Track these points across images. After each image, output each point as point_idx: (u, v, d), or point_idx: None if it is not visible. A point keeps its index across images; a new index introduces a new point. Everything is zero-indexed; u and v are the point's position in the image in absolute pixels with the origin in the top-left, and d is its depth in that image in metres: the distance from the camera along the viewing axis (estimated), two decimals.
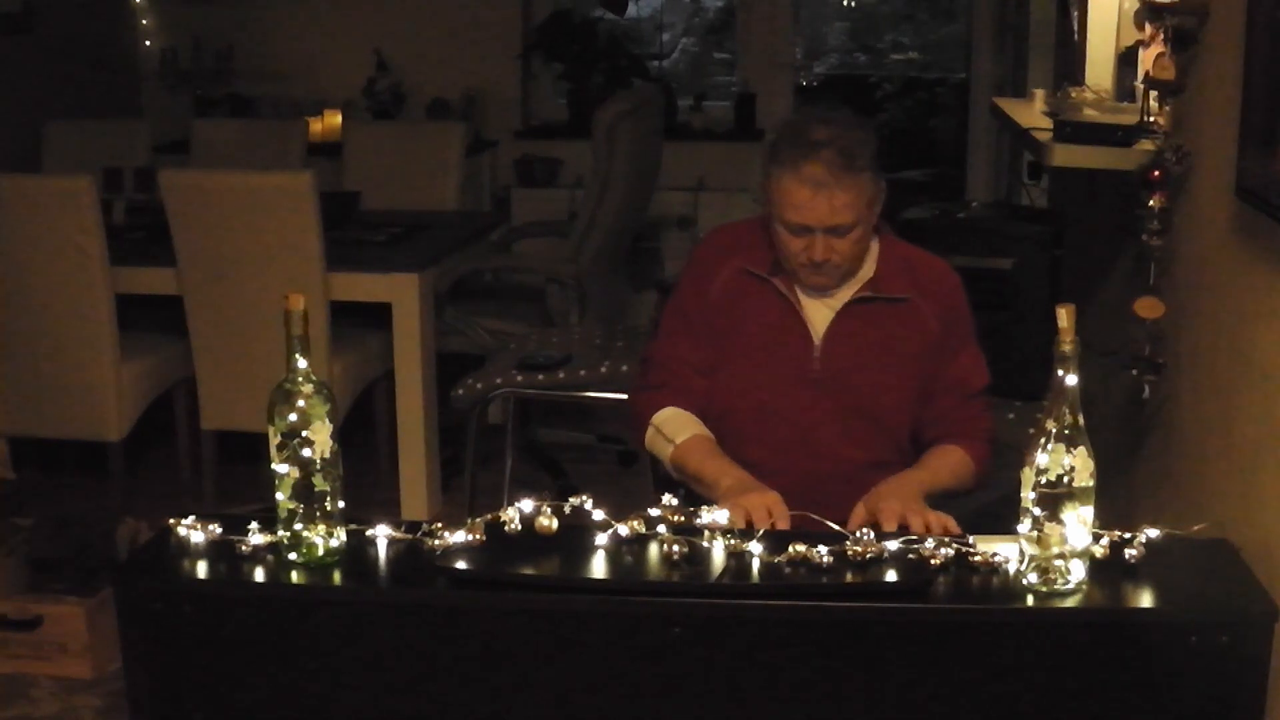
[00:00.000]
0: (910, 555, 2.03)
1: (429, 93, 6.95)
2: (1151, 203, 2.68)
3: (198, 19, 7.08)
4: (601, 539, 2.09)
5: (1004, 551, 2.02)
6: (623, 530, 2.10)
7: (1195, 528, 2.12)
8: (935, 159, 8.68)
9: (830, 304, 2.55)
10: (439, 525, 2.13)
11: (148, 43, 7.17)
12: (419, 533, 2.13)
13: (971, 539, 2.06)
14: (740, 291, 2.58)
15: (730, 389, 2.57)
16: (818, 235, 2.43)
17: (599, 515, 2.13)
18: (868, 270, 2.56)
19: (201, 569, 2.10)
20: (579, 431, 5.04)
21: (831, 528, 2.16)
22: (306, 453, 2.04)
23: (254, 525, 2.13)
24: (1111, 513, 2.12)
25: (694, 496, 2.47)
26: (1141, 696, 1.93)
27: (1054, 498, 1.92)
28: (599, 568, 2.04)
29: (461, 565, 2.04)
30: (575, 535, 2.10)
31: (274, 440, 2.05)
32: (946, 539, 2.06)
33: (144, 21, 7.16)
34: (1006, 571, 2.00)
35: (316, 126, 6.56)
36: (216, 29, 7.09)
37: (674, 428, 2.57)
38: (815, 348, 2.54)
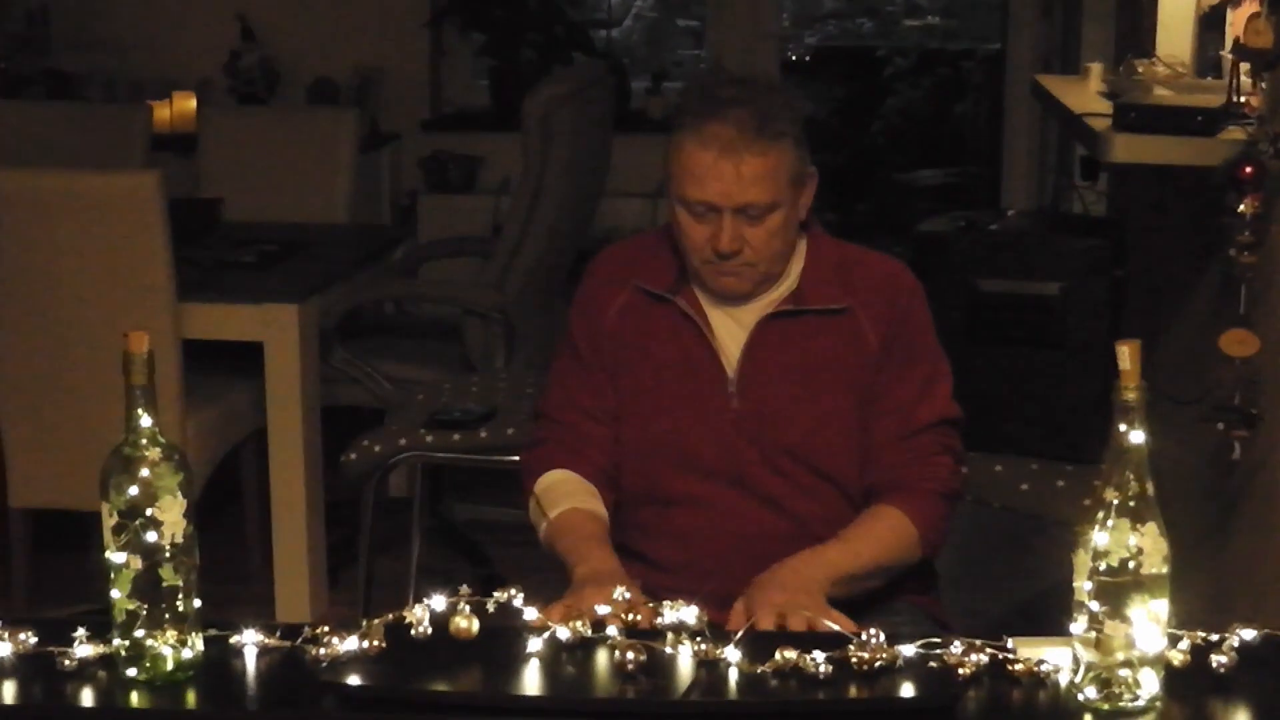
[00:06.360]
0: (932, 664, 2.03)
1: (310, 71, 6.96)
2: (1242, 208, 2.71)
3: None
4: (535, 644, 2.09)
5: (1053, 658, 2.03)
6: (563, 633, 2.10)
7: None
8: (961, 155, 8.75)
9: (744, 322, 2.59)
10: (325, 630, 2.11)
11: None
12: (299, 639, 2.12)
13: (1010, 642, 2.07)
14: (639, 316, 2.62)
15: (638, 441, 2.61)
16: (725, 217, 2.46)
17: (531, 614, 2.12)
18: (792, 280, 2.59)
19: (8, 691, 2.07)
20: (505, 507, 5.03)
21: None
22: (152, 536, 2.03)
23: (81, 632, 2.11)
24: (1194, 607, 2.13)
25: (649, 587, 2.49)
26: None
27: (1117, 588, 1.93)
28: (532, 681, 2.04)
29: (354, 680, 2.03)
30: (501, 640, 2.10)
31: (109, 521, 2.04)
32: (977, 642, 2.07)
33: None
34: (1056, 683, 2.01)
35: (164, 113, 6.56)
36: None
37: (553, 498, 2.59)
38: (729, 380, 2.57)
